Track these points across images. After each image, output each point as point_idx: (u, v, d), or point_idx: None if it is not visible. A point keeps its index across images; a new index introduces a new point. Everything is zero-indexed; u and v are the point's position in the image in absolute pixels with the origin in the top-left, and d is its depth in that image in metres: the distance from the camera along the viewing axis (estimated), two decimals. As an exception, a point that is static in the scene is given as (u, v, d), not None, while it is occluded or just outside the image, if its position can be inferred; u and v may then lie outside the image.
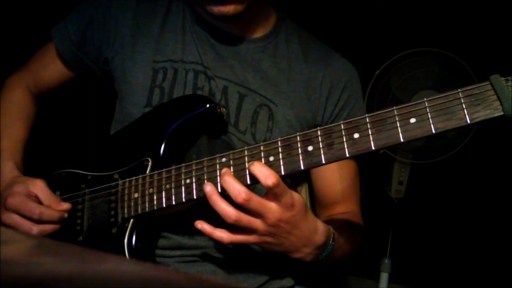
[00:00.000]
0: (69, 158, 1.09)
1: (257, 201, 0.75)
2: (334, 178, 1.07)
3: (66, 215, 0.96)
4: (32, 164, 1.11)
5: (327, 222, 1.04)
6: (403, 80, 1.93)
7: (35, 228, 0.93)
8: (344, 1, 2.25)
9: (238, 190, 0.74)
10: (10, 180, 1.01)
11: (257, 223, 0.76)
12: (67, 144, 1.23)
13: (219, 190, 0.79)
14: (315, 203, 1.13)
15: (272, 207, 0.75)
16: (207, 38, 1.05)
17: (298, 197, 0.78)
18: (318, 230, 0.82)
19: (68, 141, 1.34)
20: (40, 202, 0.96)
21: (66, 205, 0.96)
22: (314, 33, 1.15)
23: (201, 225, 0.80)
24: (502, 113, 0.64)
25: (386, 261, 2.07)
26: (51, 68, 1.18)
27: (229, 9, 0.94)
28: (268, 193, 0.75)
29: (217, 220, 0.78)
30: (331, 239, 0.85)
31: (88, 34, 1.10)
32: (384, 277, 2.07)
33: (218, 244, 0.99)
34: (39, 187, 0.96)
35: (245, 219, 0.76)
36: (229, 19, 0.96)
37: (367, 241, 1.06)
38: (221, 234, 0.79)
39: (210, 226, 0.80)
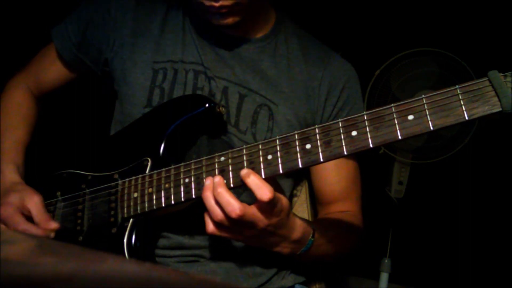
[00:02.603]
0: (70, 158, 1.09)
1: (250, 214, 0.77)
2: (333, 177, 1.07)
3: (52, 234, 0.94)
4: (33, 165, 1.11)
5: (318, 220, 1.05)
6: (403, 80, 1.92)
7: None
8: (344, 1, 2.25)
9: (232, 205, 0.76)
10: (9, 186, 1.00)
11: (243, 228, 0.79)
12: (68, 145, 1.23)
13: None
14: (316, 201, 1.13)
15: (263, 217, 0.78)
16: (207, 38, 1.05)
17: (285, 201, 0.80)
18: (296, 226, 0.85)
19: (68, 142, 1.34)
20: (31, 218, 0.95)
21: (54, 225, 0.94)
22: (314, 33, 1.14)
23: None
24: (500, 109, 0.64)
25: (386, 261, 2.07)
26: (51, 69, 1.18)
27: (228, 20, 0.95)
28: (261, 203, 0.76)
29: None
30: (311, 235, 0.88)
31: (88, 35, 1.10)
32: (384, 277, 2.07)
33: (218, 244, 0.99)
34: (33, 202, 0.95)
35: (230, 223, 0.78)
36: (229, 28, 0.98)
37: (365, 241, 1.06)
38: (209, 221, 0.80)
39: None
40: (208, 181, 0.79)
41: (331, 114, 1.06)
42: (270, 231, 0.81)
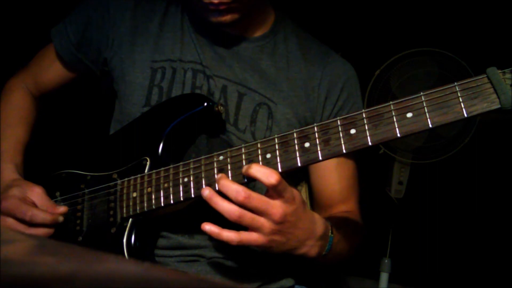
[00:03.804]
0: (69, 158, 1.09)
1: (257, 198, 0.75)
2: (333, 178, 1.07)
3: (61, 218, 0.95)
4: (32, 165, 1.11)
5: (327, 218, 1.04)
6: (403, 80, 1.92)
7: (27, 232, 0.93)
8: (344, 1, 2.25)
9: (236, 190, 0.74)
10: (9, 183, 1.01)
11: (261, 220, 0.76)
12: (67, 145, 1.23)
13: (217, 188, 0.79)
14: (315, 204, 1.12)
15: (276, 204, 0.75)
16: (206, 37, 1.05)
17: (296, 190, 0.79)
18: (317, 220, 0.82)
19: (67, 142, 1.34)
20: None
21: (62, 208, 0.96)
22: (314, 33, 1.14)
23: (209, 227, 0.78)
24: (499, 106, 0.64)
25: (386, 261, 2.06)
26: (51, 69, 1.18)
27: (226, 18, 0.95)
28: (271, 191, 0.75)
29: (219, 219, 0.78)
30: (330, 231, 0.86)
31: (87, 35, 1.10)
32: (384, 277, 2.07)
33: (218, 244, 0.99)
34: (36, 193, 0.96)
35: (249, 215, 0.75)
36: (228, 26, 0.98)
37: (366, 240, 1.06)
38: (230, 235, 0.77)
39: (217, 228, 0.78)
40: (206, 191, 0.77)
41: (331, 114, 1.06)
42: (291, 222, 0.77)
